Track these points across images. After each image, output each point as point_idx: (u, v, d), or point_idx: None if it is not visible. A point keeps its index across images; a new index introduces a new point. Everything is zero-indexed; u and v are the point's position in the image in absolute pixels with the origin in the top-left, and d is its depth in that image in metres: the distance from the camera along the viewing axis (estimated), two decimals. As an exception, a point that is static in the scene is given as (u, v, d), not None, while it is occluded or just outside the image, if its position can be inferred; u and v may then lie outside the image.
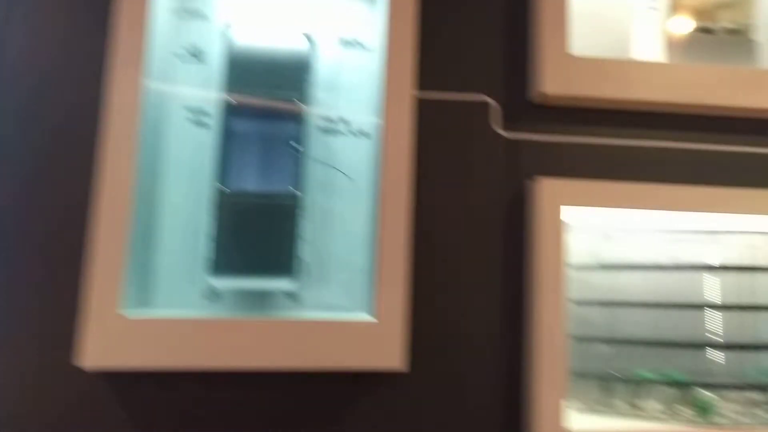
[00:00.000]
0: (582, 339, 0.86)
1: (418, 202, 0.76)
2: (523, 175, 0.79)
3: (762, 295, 0.88)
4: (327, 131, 0.77)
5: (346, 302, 0.75)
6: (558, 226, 0.75)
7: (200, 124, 0.76)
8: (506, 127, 0.80)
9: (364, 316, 0.70)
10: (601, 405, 0.84)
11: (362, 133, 0.76)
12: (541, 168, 0.80)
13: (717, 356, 0.88)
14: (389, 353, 0.69)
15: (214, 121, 0.76)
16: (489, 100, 0.80)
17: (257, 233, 0.71)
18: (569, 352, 0.79)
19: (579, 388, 0.85)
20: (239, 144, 0.73)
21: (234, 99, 0.73)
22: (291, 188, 0.73)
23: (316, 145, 0.76)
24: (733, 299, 0.88)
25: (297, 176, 0.73)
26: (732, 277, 0.88)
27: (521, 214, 0.78)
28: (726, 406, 0.83)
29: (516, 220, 0.79)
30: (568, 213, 0.77)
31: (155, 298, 0.73)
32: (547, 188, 0.76)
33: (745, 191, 0.81)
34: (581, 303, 0.86)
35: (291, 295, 0.74)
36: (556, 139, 0.81)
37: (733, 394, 0.85)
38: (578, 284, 0.86)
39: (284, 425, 0.72)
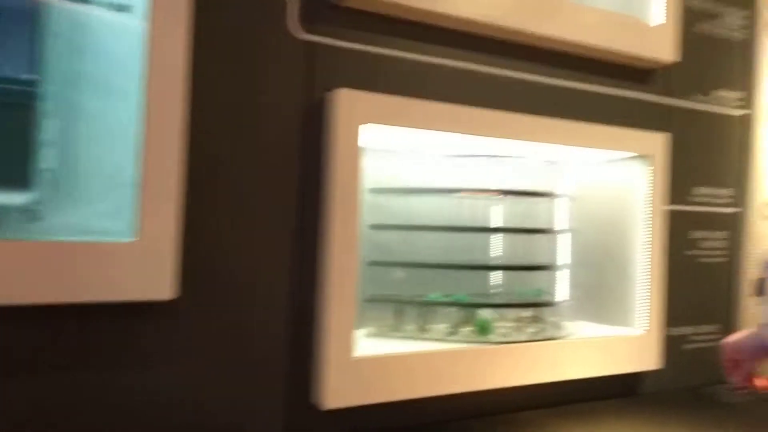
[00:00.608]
0: (377, 264, 0.84)
1: (195, 104, 0.64)
2: (321, 85, 0.72)
3: (539, 219, 0.94)
4: (74, 1, 0.60)
5: (107, 223, 0.62)
6: (355, 143, 0.70)
7: None
8: (304, 28, 0.71)
9: (128, 239, 0.58)
10: (394, 330, 0.84)
11: (121, 8, 0.61)
12: (341, 78, 0.73)
13: (497, 278, 0.93)
14: (157, 281, 0.59)
15: None
16: (286, -8, 0.70)
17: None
18: (365, 278, 0.77)
19: (373, 314, 0.84)
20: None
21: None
22: (26, 75, 0.57)
23: (60, 21, 0.59)
24: (515, 223, 0.92)
25: (35, 60, 0.57)
26: (515, 202, 0.92)
27: (318, 129, 0.71)
28: (502, 324, 0.87)
29: (312, 134, 0.71)
30: (366, 132, 0.71)
31: None
32: (345, 101, 0.69)
33: (540, 119, 0.83)
34: (376, 227, 0.84)
35: (28, 212, 0.59)
36: (357, 47, 0.74)
37: (510, 313, 0.90)
38: (373, 208, 0.83)
39: (24, 370, 0.58)
